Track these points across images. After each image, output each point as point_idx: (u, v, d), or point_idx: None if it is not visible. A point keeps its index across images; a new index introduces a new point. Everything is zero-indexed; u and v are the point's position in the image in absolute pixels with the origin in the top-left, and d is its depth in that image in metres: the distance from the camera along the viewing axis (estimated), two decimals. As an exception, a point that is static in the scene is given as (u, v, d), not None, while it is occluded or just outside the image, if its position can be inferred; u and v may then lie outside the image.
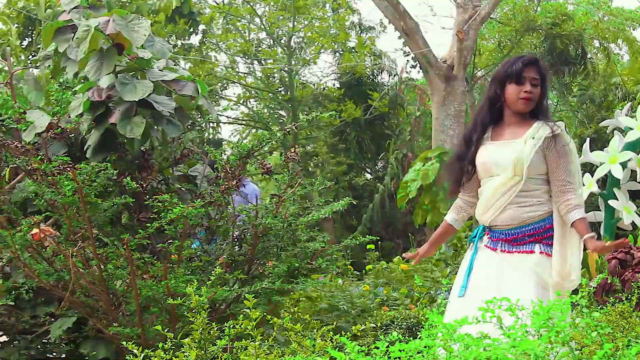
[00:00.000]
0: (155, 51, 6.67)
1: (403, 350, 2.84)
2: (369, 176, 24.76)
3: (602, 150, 9.46)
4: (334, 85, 24.53)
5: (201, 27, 22.25)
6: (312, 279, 6.51)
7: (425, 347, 2.88)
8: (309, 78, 25.01)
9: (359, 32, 24.65)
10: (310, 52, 24.22)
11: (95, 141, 6.25)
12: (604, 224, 9.33)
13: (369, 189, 23.15)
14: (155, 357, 3.54)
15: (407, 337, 3.24)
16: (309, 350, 3.38)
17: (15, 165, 6.15)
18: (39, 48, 11.12)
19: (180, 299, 4.77)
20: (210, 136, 23.04)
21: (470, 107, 19.12)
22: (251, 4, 23.14)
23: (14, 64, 12.05)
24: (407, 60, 23.46)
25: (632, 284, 6.14)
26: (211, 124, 22.48)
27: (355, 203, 17.74)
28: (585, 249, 4.60)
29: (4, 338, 6.40)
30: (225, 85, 24.83)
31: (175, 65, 7.09)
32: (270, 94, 24.19)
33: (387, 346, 2.90)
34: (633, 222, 9.08)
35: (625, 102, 15.86)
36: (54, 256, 5.73)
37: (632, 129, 9.21)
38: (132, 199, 5.86)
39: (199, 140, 8.32)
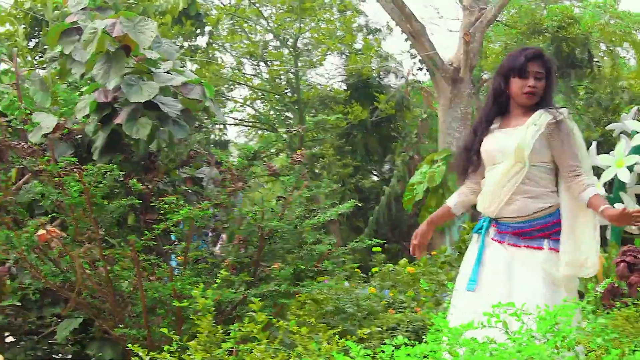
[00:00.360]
0: (163, 52, 6.69)
1: (409, 354, 2.83)
2: (375, 178, 24.74)
3: (609, 153, 9.46)
4: (340, 87, 24.54)
5: (207, 28, 22.28)
6: (318, 281, 6.50)
7: (431, 351, 2.87)
8: (316, 80, 25.05)
9: (366, 34, 24.65)
10: (316, 54, 24.23)
11: (102, 142, 6.26)
12: (610, 228, 9.31)
13: (376, 191, 23.14)
14: (160, 359, 3.55)
15: (413, 340, 3.23)
16: (315, 354, 3.38)
17: (21, 166, 6.16)
18: (46, 49, 11.13)
19: (187, 301, 4.77)
20: (217, 138, 23.06)
21: (476, 109, 19.10)
22: (257, 5, 23.15)
23: (21, 64, 12.06)
24: (414, 63, 23.51)
25: (638, 288, 6.13)
26: (217, 126, 22.50)
27: (361, 205, 17.72)
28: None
29: (11, 338, 6.40)
30: (232, 86, 24.86)
31: (182, 66, 7.10)
32: (276, 96, 24.21)
33: (393, 350, 2.89)
34: (640, 226, 9.07)
35: (632, 105, 15.83)
36: (61, 257, 5.73)
37: (639, 133, 9.21)
38: (139, 200, 5.87)
39: (205, 142, 8.33)
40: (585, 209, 4.53)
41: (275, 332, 4.21)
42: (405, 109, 23.47)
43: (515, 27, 21.92)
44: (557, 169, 4.62)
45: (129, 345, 3.73)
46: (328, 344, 3.26)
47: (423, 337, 3.07)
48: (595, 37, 21.87)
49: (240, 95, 25.89)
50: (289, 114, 24.81)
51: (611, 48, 22.79)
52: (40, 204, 5.86)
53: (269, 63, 24.51)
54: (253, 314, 3.49)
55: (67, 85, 6.79)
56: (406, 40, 19.88)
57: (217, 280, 4.27)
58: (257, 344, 3.28)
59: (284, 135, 5.95)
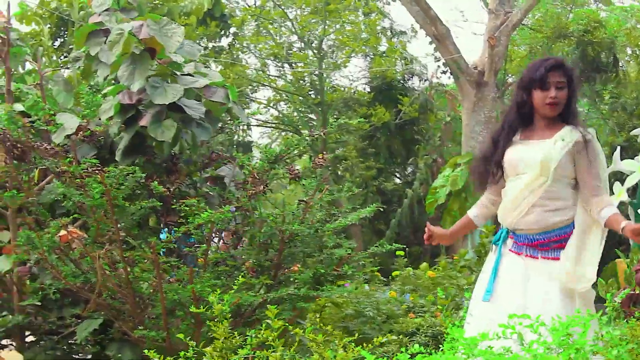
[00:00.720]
0: (185, 53, 6.70)
1: (425, 362, 2.83)
2: (398, 181, 24.73)
3: (633, 158, 9.39)
4: (364, 89, 24.53)
5: (232, 29, 22.32)
6: (338, 285, 6.50)
7: (447, 360, 2.87)
8: (340, 82, 25.01)
9: (390, 36, 24.62)
10: (340, 56, 24.22)
11: (125, 144, 6.29)
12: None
13: (398, 193, 23.12)
14: (178, 364, 3.55)
15: (431, 346, 3.23)
16: (331, 361, 3.38)
17: (44, 166, 6.19)
18: (71, 49, 11.18)
19: (205, 305, 4.77)
20: (240, 139, 23.10)
21: (500, 113, 19.02)
22: (283, 7, 23.18)
23: (47, 64, 12.12)
24: (438, 66, 23.41)
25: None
26: (241, 127, 22.55)
27: (383, 208, 17.74)
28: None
29: (31, 338, 6.45)
30: (256, 88, 24.89)
31: (205, 67, 7.11)
32: (300, 97, 24.21)
33: (409, 359, 2.89)
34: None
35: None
36: (81, 258, 5.76)
37: (664, 139, 9.15)
38: (160, 202, 5.89)
39: (228, 143, 8.35)
40: (598, 226, 4.54)
41: (293, 337, 4.21)
42: (429, 112, 23.43)
43: (541, 31, 21.79)
44: (577, 184, 4.63)
45: (145, 351, 3.73)
46: (344, 351, 3.25)
47: (442, 342, 3.06)
48: (621, 41, 21.73)
49: (264, 97, 25.98)
50: (313, 116, 24.82)
51: (637, 52, 22.65)
52: (62, 204, 5.89)
53: (293, 65, 24.51)
54: (270, 320, 3.48)
55: (89, 88, 6.81)
56: (430, 43, 19.85)
57: (237, 283, 4.26)
58: (272, 351, 3.28)
59: (307, 138, 5.93)
